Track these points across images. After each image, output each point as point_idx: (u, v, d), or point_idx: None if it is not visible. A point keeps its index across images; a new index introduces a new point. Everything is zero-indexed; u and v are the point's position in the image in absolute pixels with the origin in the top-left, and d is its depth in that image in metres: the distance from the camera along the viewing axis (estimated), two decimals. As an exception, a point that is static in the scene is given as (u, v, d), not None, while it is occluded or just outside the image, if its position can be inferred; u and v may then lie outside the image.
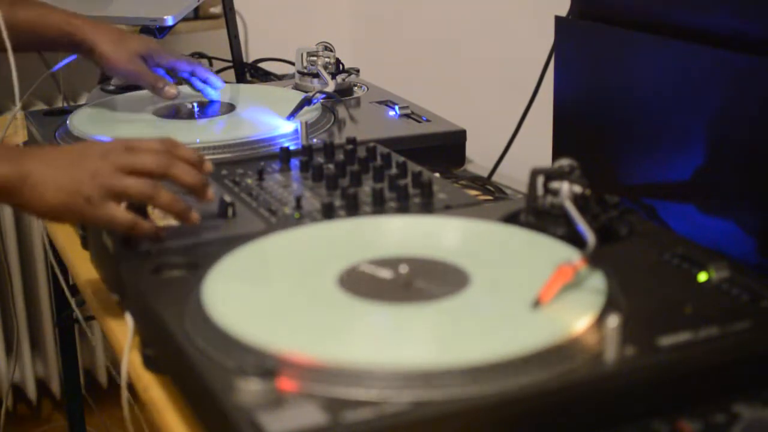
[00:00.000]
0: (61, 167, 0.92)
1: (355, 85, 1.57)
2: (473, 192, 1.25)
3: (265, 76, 1.84)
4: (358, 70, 1.59)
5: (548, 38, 1.26)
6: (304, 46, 1.57)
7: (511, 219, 0.96)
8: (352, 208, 1.01)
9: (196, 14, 2.17)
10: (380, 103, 1.48)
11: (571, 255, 0.82)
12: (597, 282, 0.80)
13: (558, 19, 1.24)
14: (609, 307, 0.77)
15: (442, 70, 2.11)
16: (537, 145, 1.29)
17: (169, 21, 1.64)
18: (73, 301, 1.52)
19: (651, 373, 0.71)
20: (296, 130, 1.28)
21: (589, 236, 0.84)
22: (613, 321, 0.71)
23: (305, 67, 1.56)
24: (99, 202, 0.91)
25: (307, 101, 1.34)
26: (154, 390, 0.85)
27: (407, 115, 1.40)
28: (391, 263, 0.85)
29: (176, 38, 2.16)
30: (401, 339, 0.75)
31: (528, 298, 0.77)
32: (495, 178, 1.41)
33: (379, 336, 0.76)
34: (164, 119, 1.38)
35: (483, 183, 1.33)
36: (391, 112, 1.42)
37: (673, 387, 0.72)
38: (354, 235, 0.95)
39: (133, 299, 0.90)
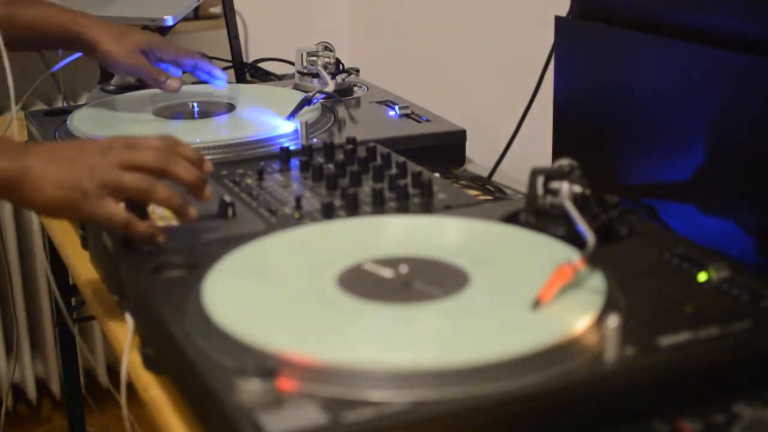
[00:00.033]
0: (61, 162, 0.92)
1: (355, 85, 1.57)
2: (473, 192, 1.25)
3: (265, 76, 1.84)
4: (358, 70, 1.59)
5: (548, 38, 1.26)
6: (304, 46, 1.57)
7: (511, 219, 0.96)
8: (352, 208, 1.01)
9: (196, 14, 2.17)
10: (380, 103, 1.48)
11: (571, 255, 0.82)
12: (597, 282, 0.80)
13: (558, 19, 1.24)
14: (609, 307, 0.77)
15: (442, 70, 2.11)
16: (537, 145, 1.29)
17: (169, 21, 1.64)
18: (61, 301, 1.51)
19: (651, 373, 0.71)
20: (296, 130, 1.28)
21: (589, 236, 0.84)
22: (613, 321, 0.71)
23: (305, 67, 1.56)
24: (96, 197, 0.91)
25: (307, 101, 1.34)
26: (154, 390, 0.85)
27: (407, 115, 1.40)
28: (391, 263, 0.85)
29: (176, 38, 2.17)
30: (401, 339, 0.75)
31: (528, 298, 0.77)
32: (495, 178, 1.41)
33: (379, 336, 0.76)
34: (164, 119, 1.38)
35: (483, 183, 1.33)
36: (391, 112, 1.42)
37: (673, 387, 0.72)
38: (354, 235, 0.95)
39: (133, 299, 0.90)
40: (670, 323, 0.75)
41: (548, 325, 0.74)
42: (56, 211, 0.93)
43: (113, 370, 2.40)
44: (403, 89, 1.56)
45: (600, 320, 0.74)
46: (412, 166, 1.12)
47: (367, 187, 1.07)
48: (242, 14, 2.28)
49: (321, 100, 1.40)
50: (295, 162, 1.16)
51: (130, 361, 0.88)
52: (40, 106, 2.09)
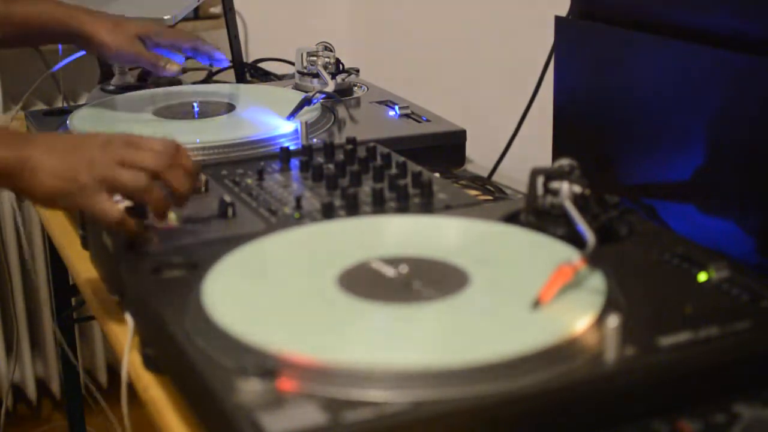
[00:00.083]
0: (61, 154, 0.93)
1: (355, 85, 1.57)
2: (473, 192, 1.25)
3: (265, 76, 1.84)
4: (358, 70, 1.59)
5: (548, 38, 1.26)
6: (304, 46, 1.57)
7: (511, 219, 0.96)
8: (352, 208, 1.01)
9: (196, 14, 2.17)
10: (380, 103, 1.48)
11: (571, 255, 0.82)
12: (597, 282, 0.80)
13: (558, 19, 1.24)
14: (609, 307, 0.77)
15: (442, 70, 2.11)
16: (537, 145, 1.29)
17: (169, 21, 1.64)
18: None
19: (651, 373, 0.71)
20: (296, 130, 1.28)
21: (589, 236, 0.84)
22: (613, 321, 0.71)
23: (305, 67, 1.56)
24: (92, 191, 0.91)
25: (307, 101, 1.34)
26: (154, 390, 0.85)
27: (407, 115, 1.40)
28: (391, 263, 0.85)
29: (176, 38, 2.16)
30: (401, 339, 0.75)
31: (528, 298, 0.77)
32: (495, 178, 1.41)
33: (379, 336, 0.76)
34: (164, 119, 1.38)
35: (483, 183, 1.33)
36: (391, 112, 1.42)
37: (673, 387, 0.72)
38: (354, 235, 0.94)
39: (133, 299, 0.90)
40: (670, 323, 0.75)
41: (548, 325, 0.74)
42: (53, 201, 0.93)
43: (113, 370, 2.40)
44: (403, 89, 1.56)
45: (600, 320, 0.74)
46: (412, 166, 1.12)
47: (367, 187, 1.07)
48: (242, 14, 2.28)
49: (321, 100, 1.40)
50: (295, 162, 1.16)
51: (130, 361, 0.88)
52: (40, 106, 2.09)
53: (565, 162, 0.92)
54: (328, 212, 1.00)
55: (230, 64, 1.50)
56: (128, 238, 0.94)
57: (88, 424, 2.01)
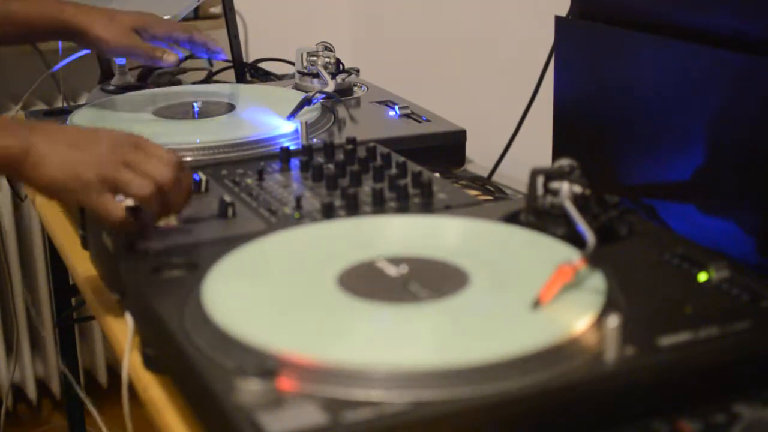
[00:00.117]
0: (68, 147, 0.93)
1: (355, 85, 1.57)
2: (473, 192, 1.25)
3: (265, 76, 1.85)
4: (358, 70, 1.59)
5: (548, 38, 1.26)
6: (304, 46, 1.57)
7: (511, 219, 0.96)
8: (352, 208, 1.01)
9: (196, 14, 2.17)
10: (380, 103, 1.48)
11: (571, 255, 0.82)
12: (597, 282, 0.80)
13: (558, 19, 1.24)
14: (609, 307, 0.77)
15: (442, 70, 2.11)
16: (537, 145, 1.29)
17: (169, 21, 1.64)
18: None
19: (651, 373, 0.71)
20: (296, 130, 1.28)
21: (589, 236, 0.84)
22: (613, 321, 0.71)
23: (305, 67, 1.56)
24: (96, 191, 0.92)
25: (307, 101, 1.34)
26: (154, 390, 0.85)
27: (407, 115, 1.40)
28: (391, 263, 0.85)
29: (176, 38, 2.16)
30: (401, 339, 0.75)
31: (528, 298, 0.77)
32: (495, 178, 1.41)
33: (379, 336, 0.76)
34: (164, 119, 1.38)
35: (483, 183, 1.33)
36: (391, 112, 1.42)
37: (673, 387, 0.72)
38: (354, 235, 0.95)
39: (133, 299, 0.90)
40: (670, 323, 0.75)
41: (548, 325, 0.74)
42: (54, 193, 0.93)
43: (113, 370, 2.40)
44: (403, 89, 1.56)
45: (600, 320, 0.74)
46: (412, 166, 1.12)
47: (367, 187, 1.07)
48: (242, 14, 2.28)
49: (321, 100, 1.40)
50: (295, 162, 1.16)
51: (130, 361, 0.88)
52: (40, 106, 2.09)
53: (565, 162, 0.92)
54: (328, 212, 1.00)
55: (227, 57, 1.49)
56: (127, 235, 0.94)
57: (88, 424, 2.01)
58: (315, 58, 1.54)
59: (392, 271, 0.83)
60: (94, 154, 0.92)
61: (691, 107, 1.05)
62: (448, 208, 1.02)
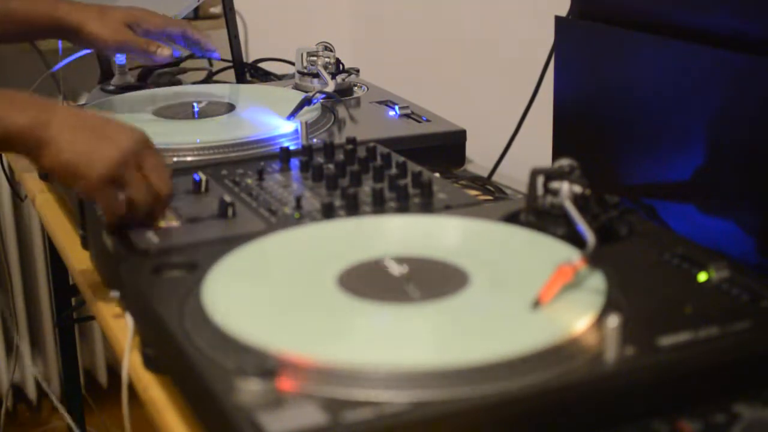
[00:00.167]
0: (83, 132, 0.93)
1: (355, 85, 1.57)
2: (473, 192, 1.25)
3: (265, 76, 1.84)
4: (358, 70, 1.59)
5: (548, 38, 1.26)
6: (304, 46, 1.57)
7: (511, 219, 0.96)
8: (352, 208, 1.01)
9: (196, 14, 2.17)
10: (380, 103, 1.48)
11: (571, 255, 0.82)
12: (597, 282, 0.80)
13: (558, 19, 1.24)
14: (609, 307, 0.77)
15: (442, 70, 2.11)
16: (537, 145, 1.29)
17: (169, 21, 1.63)
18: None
19: (651, 373, 0.71)
20: (296, 130, 1.28)
21: (589, 236, 0.84)
22: (613, 321, 0.71)
23: (305, 67, 1.56)
24: (104, 185, 0.92)
25: (307, 101, 1.34)
26: (154, 390, 0.85)
27: (407, 115, 1.40)
28: (390, 263, 0.85)
29: (176, 38, 2.17)
30: (401, 339, 0.75)
31: (528, 298, 0.77)
32: (495, 178, 1.41)
33: (379, 336, 0.76)
34: (164, 119, 1.38)
35: (483, 183, 1.33)
36: (391, 112, 1.42)
37: (673, 387, 0.72)
38: (354, 235, 0.95)
39: (133, 299, 0.90)
40: (670, 323, 0.75)
41: (548, 325, 0.74)
42: (61, 175, 0.94)
43: (113, 370, 2.40)
44: (403, 89, 1.56)
45: (600, 320, 0.74)
46: (412, 166, 1.12)
47: (367, 187, 1.07)
48: (242, 14, 2.28)
49: (321, 100, 1.40)
50: (295, 162, 1.16)
51: (130, 361, 0.88)
52: (40, 106, 2.09)
53: (565, 162, 0.92)
54: (328, 212, 1.00)
55: (220, 56, 1.49)
56: (114, 228, 0.95)
57: (88, 424, 2.01)
58: (315, 58, 1.54)
59: (395, 270, 0.83)
60: (112, 146, 0.93)
61: (691, 107, 1.05)
62: (448, 208, 1.02)
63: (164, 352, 0.83)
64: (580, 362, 0.71)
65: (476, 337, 0.74)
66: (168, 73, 1.65)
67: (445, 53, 2.10)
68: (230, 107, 1.42)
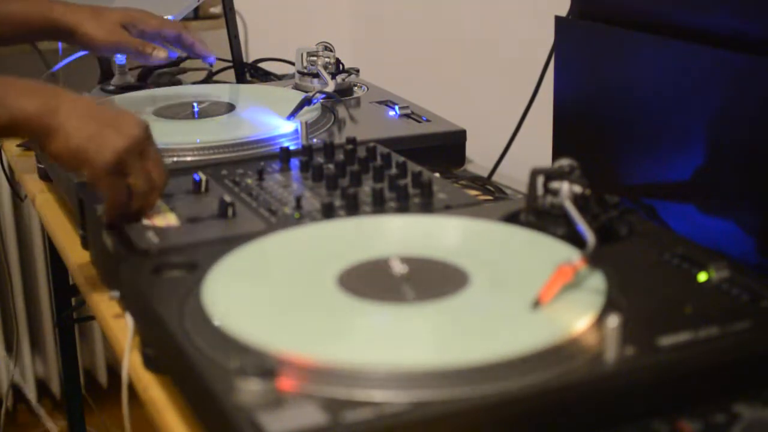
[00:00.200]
0: (92, 121, 0.94)
1: (355, 85, 1.57)
2: (473, 192, 1.25)
3: (265, 76, 1.84)
4: (358, 70, 1.59)
5: (548, 38, 1.26)
6: (304, 46, 1.57)
7: (511, 219, 0.96)
8: (352, 208, 1.01)
9: (196, 14, 2.17)
10: (380, 103, 1.48)
11: (571, 255, 0.82)
12: (597, 282, 0.80)
13: (558, 19, 1.24)
14: (609, 307, 0.77)
15: (442, 70, 2.11)
16: (537, 145, 1.29)
17: (169, 21, 1.63)
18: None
19: (651, 373, 0.71)
20: (296, 130, 1.28)
21: (589, 236, 0.84)
22: (613, 321, 0.71)
23: (305, 67, 1.56)
24: (108, 173, 0.94)
25: (307, 101, 1.34)
26: (154, 390, 0.85)
27: (407, 115, 1.40)
28: (390, 263, 0.85)
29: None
30: (401, 339, 0.75)
31: (528, 298, 0.77)
32: (495, 178, 1.41)
33: (378, 336, 0.76)
34: (164, 119, 1.38)
35: (483, 183, 1.33)
36: (391, 112, 1.42)
37: (673, 387, 0.72)
38: (354, 235, 0.95)
39: (133, 299, 0.90)
40: (670, 323, 0.75)
41: (548, 325, 0.74)
42: (69, 161, 0.95)
43: (113, 370, 2.40)
44: (403, 89, 1.56)
45: (600, 320, 0.74)
46: (412, 166, 1.12)
47: (367, 187, 1.07)
48: (242, 14, 2.28)
49: (321, 100, 1.40)
50: (295, 162, 1.16)
51: (130, 361, 0.88)
52: (40, 106, 2.09)
53: (565, 162, 0.92)
54: (328, 212, 1.00)
55: (215, 61, 1.49)
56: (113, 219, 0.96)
57: (88, 424, 2.01)
58: (315, 58, 1.54)
59: (398, 269, 0.83)
60: (120, 134, 0.94)
61: (691, 107, 1.05)
62: (448, 208, 1.02)
63: (164, 352, 0.83)
64: (580, 362, 0.71)
65: (476, 337, 0.74)
66: (168, 73, 1.65)
67: (445, 53, 2.10)
68: (230, 107, 1.42)
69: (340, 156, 1.15)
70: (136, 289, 0.87)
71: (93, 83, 1.75)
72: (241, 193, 1.07)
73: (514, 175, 1.35)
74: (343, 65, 1.56)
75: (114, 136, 0.94)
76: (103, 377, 2.41)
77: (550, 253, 0.85)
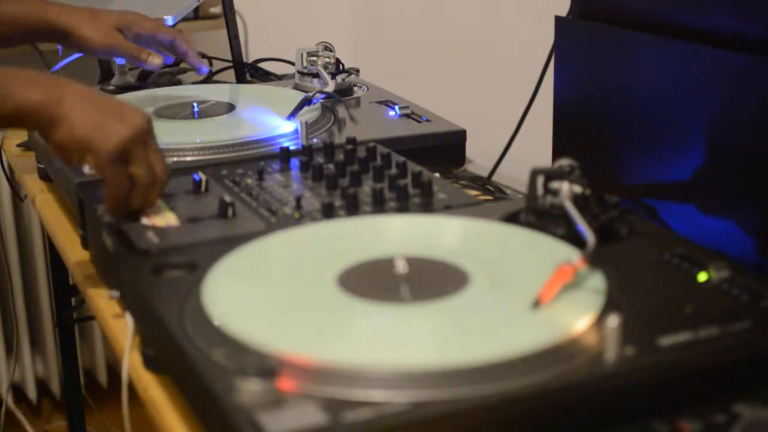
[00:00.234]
0: (96, 111, 0.95)
1: (355, 85, 1.57)
2: (473, 192, 1.25)
3: (265, 76, 1.85)
4: (358, 70, 1.59)
5: (548, 38, 1.26)
6: (304, 46, 1.57)
7: (511, 219, 0.96)
8: (352, 208, 1.01)
9: (196, 14, 2.17)
10: (380, 103, 1.48)
11: (571, 255, 0.82)
12: (597, 282, 0.80)
13: (558, 19, 1.24)
14: (609, 307, 0.77)
15: (442, 70, 2.11)
16: (537, 145, 1.29)
17: (169, 21, 1.64)
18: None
19: (651, 373, 0.71)
20: (296, 130, 1.28)
21: (589, 236, 0.84)
22: (613, 321, 0.71)
23: (305, 67, 1.56)
24: (111, 161, 0.94)
25: (307, 101, 1.34)
26: (154, 390, 0.85)
27: (407, 115, 1.40)
28: (390, 263, 0.85)
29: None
30: (401, 339, 0.75)
31: (528, 298, 0.77)
32: (495, 178, 1.41)
33: (378, 336, 0.76)
34: (164, 119, 1.38)
35: (483, 183, 1.33)
36: (391, 112, 1.42)
37: (673, 387, 0.72)
38: (354, 235, 0.95)
39: (133, 299, 0.90)
40: (670, 323, 0.75)
41: (548, 325, 0.74)
42: (73, 151, 0.95)
43: (113, 370, 2.40)
44: (403, 89, 1.56)
45: (600, 320, 0.74)
46: (412, 166, 1.12)
47: (367, 187, 1.07)
48: (242, 14, 2.28)
49: (321, 100, 1.40)
50: (295, 162, 1.16)
51: (130, 361, 0.88)
52: (40, 106, 2.09)
53: (565, 162, 0.92)
54: (328, 212, 1.00)
55: (207, 71, 1.50)
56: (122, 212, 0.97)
57: (88, 424, 2.01)
58: (315, 58, 1.54)
59: (401, 268, 0.83)
60: (124, 124, 0.95)
61: (691, 107, 1.05)
62: (448, 208, 1.02)
63: (164, 352, 0.83)
64: (580, 362, 0.71)
65: (476, 337, 0.74)
66: (168, 73, 1.65)
67: (445, 53, 2.10)
68: (230, 107, 1.42)
69: (340, 156, 1.15)
70: (136, 289, 0.87)
71: (93, 83, 1.75)
72: (241, 193, 1.07)
73: (514, 175, 1.35)
74: (343, 65, 1.56)
75: (118, 126, 0.94)
76: (103, 377, 2.41)
77: (550, 253, 0.85)
